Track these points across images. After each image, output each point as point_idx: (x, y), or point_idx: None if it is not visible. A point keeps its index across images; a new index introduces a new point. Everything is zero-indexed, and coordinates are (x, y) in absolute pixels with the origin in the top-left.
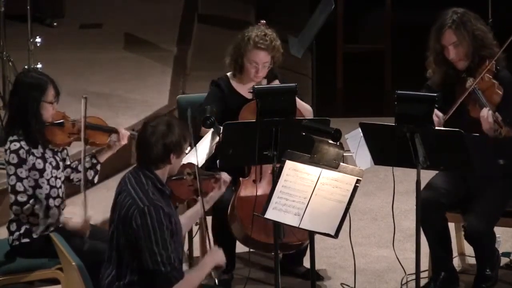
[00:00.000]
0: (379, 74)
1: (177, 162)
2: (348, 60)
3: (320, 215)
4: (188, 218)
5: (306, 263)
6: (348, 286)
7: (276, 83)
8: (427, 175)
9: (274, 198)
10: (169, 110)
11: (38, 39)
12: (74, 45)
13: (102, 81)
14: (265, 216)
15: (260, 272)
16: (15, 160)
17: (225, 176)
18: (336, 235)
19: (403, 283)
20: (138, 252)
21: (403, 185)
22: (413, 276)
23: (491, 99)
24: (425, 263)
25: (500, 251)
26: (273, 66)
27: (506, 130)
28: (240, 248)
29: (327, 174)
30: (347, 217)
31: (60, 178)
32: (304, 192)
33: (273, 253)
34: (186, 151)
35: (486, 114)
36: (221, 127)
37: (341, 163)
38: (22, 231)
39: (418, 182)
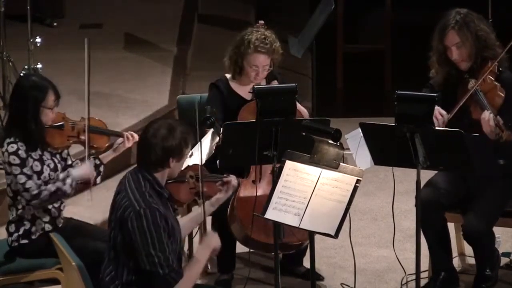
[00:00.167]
0: (379, 74)
1: (176, 166)
2: (348, 60)
3: (320, 215)
4: (189, 221)
5: (306, 263)
6: (348, 286)
7: (275, 83)
8: (427, 175)
9: (274, 198)
10: (169, 110)
11: (38, 39)
12: (74, 45)
13: (102, 81)
14: (265, 216)
15: (260, 272)
16: (17, 161)
17: (233, 180)
18: (336, 235)
19: (403, 283)
20: (135, 253)
21: (403, 185)
22: (413, 276)
23: (493, 102)
24: (425, 263)
25: (500, 251)
26: (273, 67)
27: (507, 134)
28: (240, 248)
29: (327, 174)
30: (347, 217)
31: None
32: (304, 192)
33: (273, 253)
34: (189, 155)
35: (487, 117)
36: (221, 127)
37: (341, 163)
38: (21, 232)
39: (418, 182)
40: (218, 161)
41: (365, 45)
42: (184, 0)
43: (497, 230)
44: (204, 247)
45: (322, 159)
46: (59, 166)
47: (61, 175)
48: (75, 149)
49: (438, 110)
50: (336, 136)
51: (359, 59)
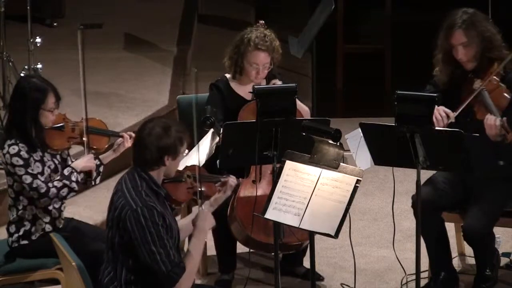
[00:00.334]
0: (379, 74)
1: (172, 165)
2: (348, 60)
3: (320, 215)
4: (189, 222)
5: (306, 263)
6: (348, 286)
7: (274, 83)
8: (427, 175)
9: (274, 198)
10: (169, 110)
11: (38, 39)
12: (74, 45)
13: (102, 81)
14: (265, 216)
15: (260, 272)
16: (21, 162)
17: (232, 180)
18: (336, 235)
19: (403, 283)
20: (135, 252)
21: (403, 185)
22: (413, 276)
23: (498, 102)
24: (425, 263)
25: (500, 252)
26: (272, 67)
27: None
28: (240, 248)
29: (327, 174)
30: (347, 217)
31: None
32: (304, 192)
33: (273, 253)
34: (184, 154)
35: (492, 120)
36: (221, 127)
37: (341, 163)
38: (21, 232)
39: (418, 183)
40: (218, 161)
41: (365, 45)
42: (184, 0)
43: (497, 230)
44: (199, 234)
45: (322, 159)
46: (59, 167)
47: (66, 171)
48: (75, 149)
49: (442, 109)
50: (336, 136)
51: (359, 59)
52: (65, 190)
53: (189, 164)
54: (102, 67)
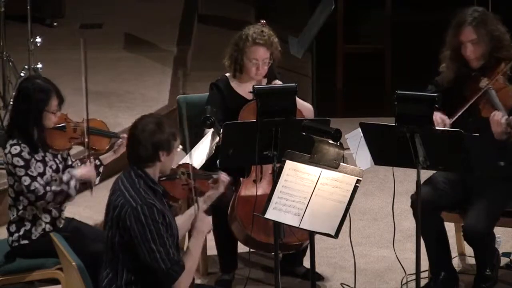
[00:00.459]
0: (379, 74)
1: (167, 160)
2: (348, 60)
3: (320, 215)
4: (186, 219)
5: (306, 263)
6: (348, 286)
7: (275, 83)
8: (427, 175)
9: (274, 198)
10: (169, 110)
11: (38, 39)
12: (74, 45)
13: (102, 81)
14: (265, 216)
15: (260, 272)
16: (22, 162)
17: (223, 176)
18: (336, 235)
19: (403, 283)
20: (135, 251)
21: (403, 185)
22: (413, 276)
23: (505, 102)
24: (425, 263)
25: (500, 251)
26: (272, 65)
27: None
28: (240, 248)
29: (327, 174)
30: (347, 217)
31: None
32: (304, 192)
33: (273, 253)
34: (178, 149)
35: (499, 116)
36: (221, 127)
37: (341, 163)
38: (21, 232)
39: (418, 183)
40: (218, 161)
41: (365, 45)
42: (184, 0)
43: (497, 230)
44: (197, 235)
45: (322, 159)
46: (60, 166)
47: (64, 177)
48: (75, 149)
49: (439, 115)
50: (336, 136)
51: (359, 59)
52: (62, 196)
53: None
54: (102, 67)
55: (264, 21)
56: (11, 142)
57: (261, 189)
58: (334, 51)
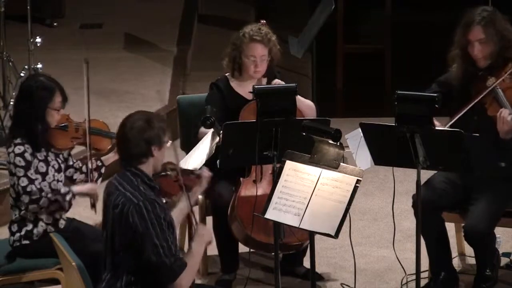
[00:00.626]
0: (379, 74)
1: (159, 155)
2: (348, 60)
3: (320, 215)
4: (176, 217)
5: (306, 263)
6: (348, 286)
7: (275, 82)
8: (427, 175)
9: (274, 198)
10: (169, 110)
11: (38, 39)
12: (74, 45)
13: (102, 81)
14: (265, 216)
15: (260, 272)
16: (23, 163)
17: (205, 172)
18: (336, 235)
19: (403, 283)
20: (137, 249)
21: (403, 185)
22: (413, 276)
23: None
24: (425, 263)
25: (500, 252)
26: (272, 64)
27: None
28: (240, 248)
29: (327, 174)
30: (347, 217)
31: (61, 181)
32: (304, 192)
33: (273, 253)
34: (168, 144)
35: (506, 113)
36: (221, 127)
37: (341, 163)
38: (22, 232)
39: (418, 182)
40: (218, 161)
41: (365, 45)
42: (184, 0)
43: (498, 231)
44: (199, 241)
45: (322, 159)
46: (62, 166)
47: (63, 190)
48: (77, 149)
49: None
50: (336, 136)
51: (359, 59)
52: (55, 206)
53: (190, 164)
54: (102, 67)
55: (264, 21)
56: (15, 141)
57: (261, 189)
58: (334, 51)
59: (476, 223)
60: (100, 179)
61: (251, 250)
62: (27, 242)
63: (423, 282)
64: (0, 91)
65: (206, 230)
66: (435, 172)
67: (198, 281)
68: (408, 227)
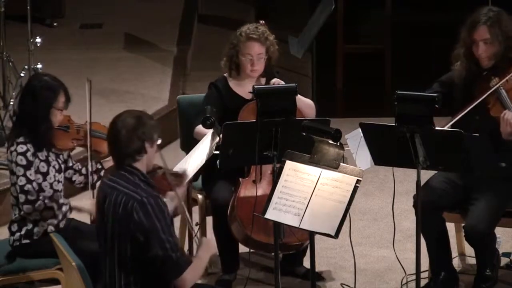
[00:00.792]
0: (379, 74)
1: (151, 152)
2: (348, 60)
3: (320, 215)
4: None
5: (306, 263)
6: (348, 286)
7: (275, 82)
8: (427, 175)
9: (274, 198)
10: (169, 110)
11: (38, 39)
12: (74, 45)
13: (102, 81)
14: (265, 216)
15: (260, 272)
16: (24, 162)
17: (187, 172)
18: (336, 236)
19: (403, 283)
20: (143, 245)
21: (403, 185)
22: (413, 276)
23: None
24: (425, 263)
25: (500, 252)
26: (270, 63)
27: None
28: (240, 248)
29: (327, 175)
30: (347, 217)
31: (61, 182)
32: (304, 192)
33: (273, 253)
34: (158, 142)
35: (510, 116)
36: (221, 127)
37: (341, 163)
38: (23, 232)
39: (418, 182)
40: (218, 161)
41: (365, 45)
42: (184, 0)
43: (498, 230)
44: (205, 249)
45: (322, 159)
46: (62, 167)
47: (61, 200)
48: (75, 150)
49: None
50: (336, 136)
51: (359, 59)
52: (49, 213)
53: (190, 164)
54: (102, 67)
55: (263, 22)
56: (18, 140)
57: (261, 189)
58: (334, 51)
59: (476, 223)
60: (99, 182)
61: (251, 250)
62: (27, 241)
63: (423, 282)
64: (0, 91)
65: (212, 243)
66: (435, 172)
67: (198, 281)
68: (408, 227)
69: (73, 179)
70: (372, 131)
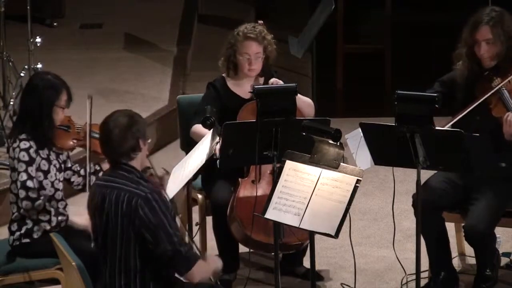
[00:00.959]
0: (379, 74)
1: (144, 150)
2: (348, 60)
3: (320, 215)
4: None
5: (306, 263)
6: (348, 286)
7: (273, 82)
8: (427, 175)
9: (274, 198)
10: (169, 110)
11: (38, 39)
12: (74, 45)
13: (102, 81)
14: (265, 216)
15: (260, 272)
16: (26, 158)
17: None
18: (336, 235)
19: (403, 283)
20: (151, 241)
21: (403, 185)
22: (413, 276)
23: None
24: (425, 263)
25: (500, 251)
26: (267, 63)
27: None
28: (240, 248)
29: (327, 174)
30: (347, 217)
31: (61, 181)
32: (304, 192)
33: (273, 253)
34: (149, 141)
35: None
36: (221, 127)
37: (341, 163)
38: (23, 231)
39: (418, 182)
40: (218, 161)
41: (365, 45)
42: (184, 0)
43: (497, 230)
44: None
45: (322, 159)
46: (62, 166)
47: (61, 205)
48: (75, 150)
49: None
50: (336, 136)
51: (359, 59)
52: (46, 216)
53: (190, 165)
54: (102, 67)
55: (262, 22)
56: (21, 136)
57: (260, 189)
58: (334, 51)
59: (476, 223)
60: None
61: (251, 250)
62: (27, 240)
63: (423, 282)
64: (0, 91)
65: (217, 260)
66: (435, 172)
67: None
68: (408, 227)
69: (72, 180)
70: (372, 131)
